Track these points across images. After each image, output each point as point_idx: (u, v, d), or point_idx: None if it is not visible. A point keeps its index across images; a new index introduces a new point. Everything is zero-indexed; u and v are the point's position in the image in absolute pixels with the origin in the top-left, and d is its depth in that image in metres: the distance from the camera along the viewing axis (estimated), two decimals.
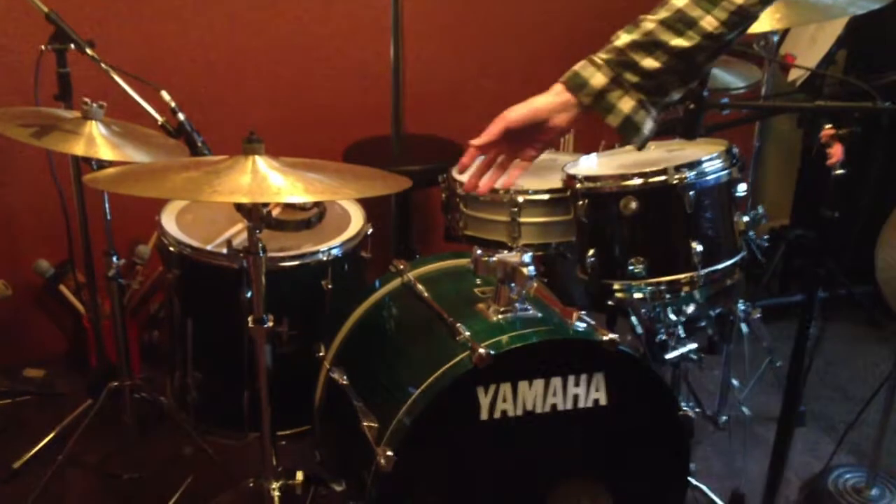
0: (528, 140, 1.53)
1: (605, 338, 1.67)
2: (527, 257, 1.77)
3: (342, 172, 1.67)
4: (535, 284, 1.76)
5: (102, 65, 2.10)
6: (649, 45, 1.43)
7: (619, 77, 1.45)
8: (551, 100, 1.48)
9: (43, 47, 2.15)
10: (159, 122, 2.11)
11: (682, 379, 2.31)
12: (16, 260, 2.86)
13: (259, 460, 1.85)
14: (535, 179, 2.25)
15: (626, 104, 1.46)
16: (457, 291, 1.93)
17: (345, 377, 1.89)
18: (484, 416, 1.64)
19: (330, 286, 2.12)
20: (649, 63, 1.43)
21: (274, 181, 1.49)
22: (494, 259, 1.76)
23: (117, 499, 2.30)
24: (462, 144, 3.04)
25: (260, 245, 1.66)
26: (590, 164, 2.24)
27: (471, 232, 2.29)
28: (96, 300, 2.59)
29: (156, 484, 2.29)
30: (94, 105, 1.98)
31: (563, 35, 3.34)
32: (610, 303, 1.97)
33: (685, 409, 1.76)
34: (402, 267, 2.03)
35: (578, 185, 1.97)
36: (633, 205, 1.87)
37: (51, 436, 2.50)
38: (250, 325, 1.72)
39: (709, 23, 1.41)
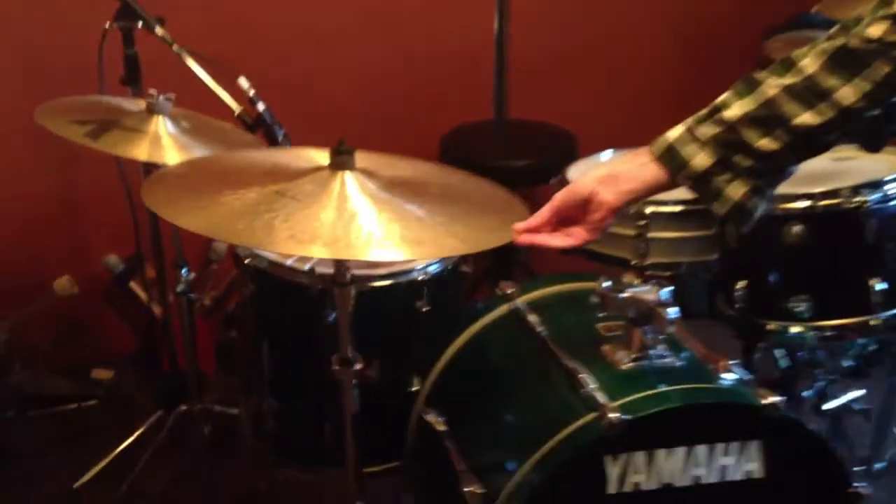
0: (577, 221, 1.36)
1: (764, 401, 1.40)
2: (665, 294, 1.51)
3: (449, 198, 1.41)
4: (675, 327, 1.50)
5: (174, 46, 1.91)
6: (768, 119, 1.18)
7: (728, 160, 1.21)
8: (634, 172, 1.28)
9: (107, 25, 1.97)
10: (236, 113, 1.93)
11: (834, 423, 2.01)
12: (82, 255, 2.73)
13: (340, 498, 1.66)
14: None
15: (737, 190, 1.23)
16: (576, 326, 1.67)
17: (442, 422, 1.67)
18: (611, 489, 1.39)
19: (426, 308, 1.88)
20: (765, 144, 1.18)
21: (364, 221, 1.25)
22: (626, 295, 1.50)
23: None
24: (573, 133, 2.79)
25: (348, 275, 1.44)
26: None
27: (589, 245, 2.02)
28: (167, 300, 2.43)
29: None
30: (161, 98, 1.78)
31: (681, 13, 3.02)
32: (761, 344, 1.69)
33: (858, 486, 1.48)
34: (509, 291, 1.79)
35: None
36: (798, 231, 1.58)
37: (115, 453, 2.37)
38: (335, 366, 1.51)
39: (846, 96, 1.15)
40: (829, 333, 1.59)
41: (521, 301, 1.75)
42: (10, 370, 2.63)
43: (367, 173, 1.38)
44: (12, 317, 2.56)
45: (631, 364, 1.50)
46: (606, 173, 1.30)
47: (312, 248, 1.16)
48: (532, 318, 1.69)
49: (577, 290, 1.80)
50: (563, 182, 2.10)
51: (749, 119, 1.18)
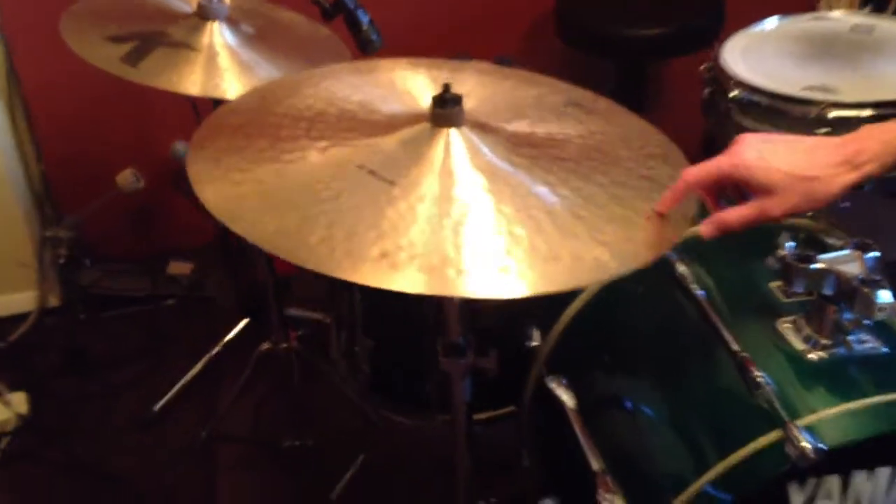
0: None
1: None
2: (872, 260, 1.18)
3: (593, 161, 1.07)
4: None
5: None
6: None
7: None
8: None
9: None
10: None
11: None
12: (147, 144, 2.49)
13: (446, 445, 1.45)
14: (852, 82, 1.61)
15: None
16: (742, 285, 1.37)
17: (568, 395, 1.42)
18: None
19: None
20: None
21: (477, 223, 0.93)
22: (819, 266, 1.18)
23: (277, 469, 1.98)
24: None
25: None
26: None
27: None
28: None
29: (322, 457, 1.96)
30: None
31: None
32: None
33: None
34: None
35: None
36: None
37: (198, 369, 2.23)
38: (440, 353, 1.26)
39: None
40: None
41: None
42: (78, 270, 2.47)
43: (480, 127, 1.07)
44: (76, 214, 2.36)
45: (821, 353, 1.20)
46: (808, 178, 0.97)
47: (406, 274, 0.86)
48: (683, 269, 1.39)
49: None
50: (717, 67, 1.73)
51: None
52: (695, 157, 2.10)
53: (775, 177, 0.96)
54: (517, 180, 0.99)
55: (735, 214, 1.01)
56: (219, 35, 1.46)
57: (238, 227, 0.92)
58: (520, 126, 1.11)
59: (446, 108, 1.05)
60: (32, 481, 2.02)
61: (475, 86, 1.22)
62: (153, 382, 2.24)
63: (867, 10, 2.14)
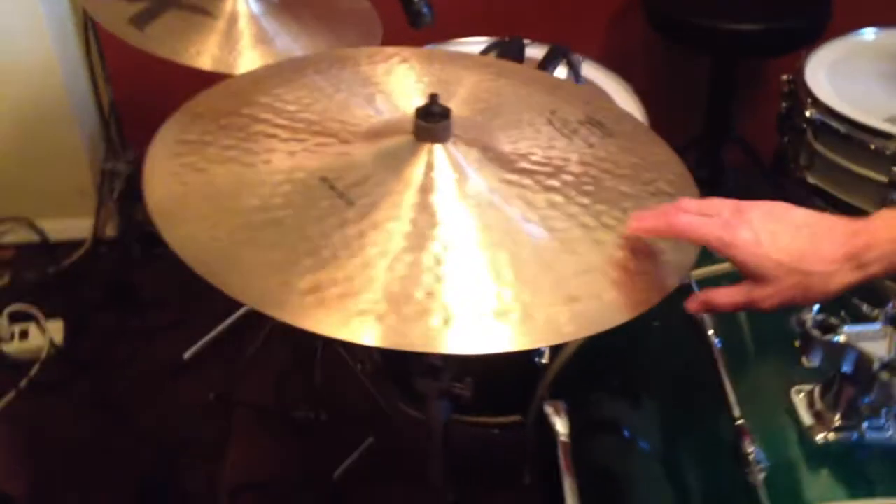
0: None
1: None
2: None
3: (589, 187, 0.97)
4: None
5: None
6: None
7: None
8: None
9: None
10: None
11: None
12: (209, 82, 2.45)
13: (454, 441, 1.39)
14: None
15: None
16: (766, 338, 1.25)
17: (565, 426, 1.33)
18: None
19: None
20: None
21: (452, 263, 0.84)
22: (840, 340, 1.05)
23: (287, 437, 1.97)
24: None
25: None
26: None
27: (817, 181, 1.56)
28: None
29: (332, 433, 1.92)
30: None
31: None
32: None
33: None
34: None
35: None
36: None
37: (228, 323, 2.23)
38: (417, 376, 1.19)
39: None
40: None
41: (695, 277, 1.33)
42: (134, 207, 2.49)
43: (470, 143, 0.97)
44: (137, 149, 2.37)
45: (831, 435, 1.08)
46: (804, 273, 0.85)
47: (331, 314, 0.79)
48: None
49: None
50: (799, 82, 1.58)
51: None
52: (763, 173, 1.93)
53: (767, 266, 0.84)
54: (495, 214, 0.89)
55: (724, 296, 0.90)
56: (242, 2, 1.38)
57: (169, 236, 0.86)
58: (520, 144, 1.01)
59: (430, 122, 0.96)
60: (53, 413, 2.05)
61: (485, 91, 1.13)
62: (189, 327, 2.23)
63: None
